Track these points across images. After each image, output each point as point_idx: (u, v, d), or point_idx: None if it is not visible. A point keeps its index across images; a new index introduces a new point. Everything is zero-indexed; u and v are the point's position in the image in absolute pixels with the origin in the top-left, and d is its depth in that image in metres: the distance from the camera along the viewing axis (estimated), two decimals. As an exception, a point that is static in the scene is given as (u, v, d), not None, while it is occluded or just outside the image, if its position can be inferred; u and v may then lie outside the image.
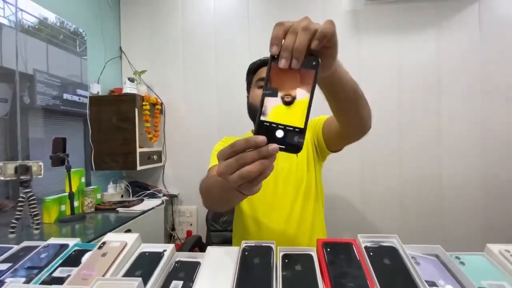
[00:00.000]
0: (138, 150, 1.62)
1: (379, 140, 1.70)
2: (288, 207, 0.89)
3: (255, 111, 0.80)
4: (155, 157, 1.80)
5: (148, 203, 1.62)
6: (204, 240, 1.60)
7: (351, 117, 0.66)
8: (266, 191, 0.90)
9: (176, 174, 1.93)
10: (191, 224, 1.88)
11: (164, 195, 1.81)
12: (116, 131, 1.63)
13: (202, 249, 1.47)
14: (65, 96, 1.57)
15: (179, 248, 1.39)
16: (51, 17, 1.50)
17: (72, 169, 1.37)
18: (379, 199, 1.70)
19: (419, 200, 1.66)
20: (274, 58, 0.35)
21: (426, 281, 0.49)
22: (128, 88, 1.67)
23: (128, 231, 1.29)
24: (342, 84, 0.53)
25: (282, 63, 0.34)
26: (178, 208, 1.92)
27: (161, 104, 1.89)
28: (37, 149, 1.39)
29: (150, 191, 1.79)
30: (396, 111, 1.69)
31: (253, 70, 0.95)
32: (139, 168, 1.62)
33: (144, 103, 1.69)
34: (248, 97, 0.96)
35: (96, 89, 1.68)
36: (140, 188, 1.82)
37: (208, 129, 1.86)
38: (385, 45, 1.70)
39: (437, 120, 1.65)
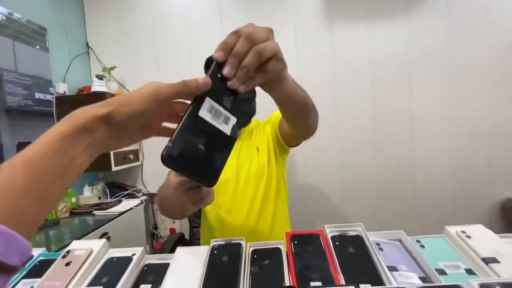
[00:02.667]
0: (112, 151, 1.57)
1: (354, 128, 1.73)
2: (248, 201, 0.90)
3: None
4: (131, 156, 1.75)
5: (126, 204, 1.58)
6: (187, 236, 1.59)
7: (300, 126, 0.72)
8: (228, 188, 0.92)
9: (156, 173, 1.89)
10: (174, 222, 1.86)
11: (143, 194, 1.77)
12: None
13: (186, 246, 1.46)
14: (38, 95, 1.48)
15: (161, 247, 1.38)
16: (16, 12, 1.40)
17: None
18: (356, 187, 1.75)
19: (394, 186, 1.72)
20: (218, 64, 0.33)
21: (388, 267, 0.51)
22: (97, 86, 1.59)
23: (105, 234, 1.26)
24: (292, 100, 0.54)
25: (226, 70, 0.32)
26: (160, 206, 1.89)
27: (135, 101, 1.82)
28: (11, 155, 1.31)
29: (129, 191, 1.75)
30: (369, 98, 1.72)
31: (209, 64, 0.94)
32: (114, 168, 1.57)
33: (115, 101, 1.62)
34: None
35: (62, 88, 1.59)
36: (118, 188, 1.77)
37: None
38: (357, 33, 1.71)
39: (409, 107, 1.70)
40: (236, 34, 0.32)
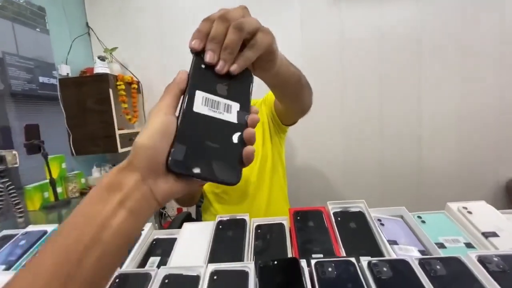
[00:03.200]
0: (118, 132, 1.58)
1: (361, 105, 1.70)
2: (243, 181, 0.91)
3: None
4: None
5: (134, 185, 1.62)
6: (194, 216, 1.63)
7: (294, 105, 0.71)
8: None
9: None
10: (180, 202, 1.91)
11: (150, 175, 1.81)
12: (92, 114, 1.57)
13: (192, 224, 1.51)
14: (41, 79, 1.49)
15: (169, 225, 1.43)
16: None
17: (51, 156, 1.33)
18: (360, 166, 1.75)
19: (399, 165, 1.71)
20: (198, 54, 0.29)
21: (389, 241, 0.52)
22: (100, 68, 1.58)
23: (115, 213, 1.31)
24: (286, 79, 0.51)
25: (208, 56, 0.29)
26: (167, 187, 1.93)
27: (138, 83, 1.81)
28: (19, 137, 1.35)
29: (136, 172, 1.79)
30: (376, 76, 1.68)
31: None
32: (121, 150, 1.60)
33: (118, 83, 1.62)
34: None
35: (65, 70, 1.59)
36: (125, 170, 1.81)
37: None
38: (366, 8, 1.64)
39: (417, 84, 1.65)
40: (209, 19, 0.30)
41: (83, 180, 1.58)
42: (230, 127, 0.28)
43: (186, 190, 0.27)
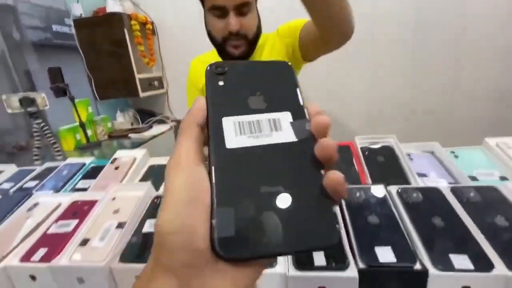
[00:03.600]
0: (137, 76, 1.58)
1: (393, 41, 1.54)
2: None
3: (212, 37, 0.80)
4: (156, 83, 1.77)
5: (157, 129, 1.68)
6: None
7: (336, 26, 0.61)
8: None
9: (182, 101, 1.91)
10: (202, 146, 1.98)
11: (172, 121, 1.85)
12: (110, 57, 1.55)
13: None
14: (55, 27, 1.46)
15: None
16: None
17: (77, 100, 1.37)
18: (389, 107, 1.66)
19: (431, 107, 1.60)
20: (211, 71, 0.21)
21: (418, 173, 0.52)
22: (111, 6, 1.50)
23: (142, 153, 1.38)
24: None
25: None
26: (188, 132, 1.99)
27: (152, 23, 1.73)
28: (41, 82, 1.39)
29: (158, 117, 1.83)
30: (413, 8, 1.48)
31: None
32: (141, 94, 1.61)
33: (132, 23, 1.55)
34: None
35: (77, 10, 1.52)
36: (147, 115, 1.86)
37: (207, 47, 1.74)
38: None
39: (459, 19, 1.45)
40: None
41: (109, 124, 1.65)
42: (290, 151, 0.18)
43: (255, 277, 0.17)
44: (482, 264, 0.31)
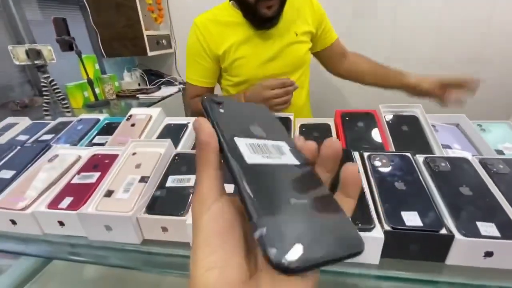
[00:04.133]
0: (145, 33, 1.50)
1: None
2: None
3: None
4: (164, 41, 1.69)
5: (166, 90, 1.64)
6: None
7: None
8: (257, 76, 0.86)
9: (189, 63, 1.86)
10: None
11: (180, 83, 1.80)
12: (116, 10, 1.46)
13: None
14: None
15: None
16: None
17: (83, 55, 1.33)
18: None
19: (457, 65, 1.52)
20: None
21: (442, 145, 0.50)
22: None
23: (152, 115, 1.37)
24: None
25: None
26: (195, 96, 1.95)
27: (160, -27, 1.60)
28: (41, 36, 1.33)
29: (166, 78, 1.78)
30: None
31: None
32: (149, 53, 1.55)
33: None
34: None
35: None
36: (155, 76, 1.81)
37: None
38: None
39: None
40: None
41: (116, 83, 1.61)
42: (300, 171, 0.19)
43: None
44: (509, 232, 0.31)
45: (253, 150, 0.19)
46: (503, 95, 1.50)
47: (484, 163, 0.40)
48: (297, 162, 0.20)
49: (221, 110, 0.20)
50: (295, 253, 0.14)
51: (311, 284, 0.15)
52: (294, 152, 0.21)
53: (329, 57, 0.96)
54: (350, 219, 0.17)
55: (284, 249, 0.14)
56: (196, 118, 0.19)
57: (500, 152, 0.49)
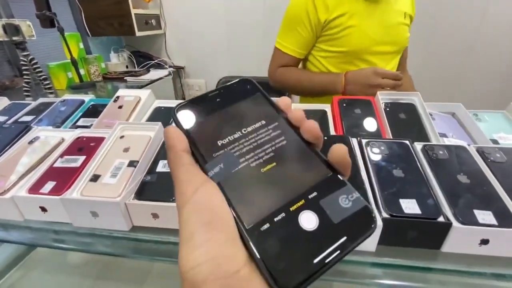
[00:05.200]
0: (133, 11, 1.42)
1: None
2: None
3: None
4: (153, 21, 1.61)
5: (155, 74, 1.58)
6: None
7: None
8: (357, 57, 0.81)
9: (180, 45, 1.79)
10: (200, 97, 1.91)
11: (170, 66, 1.74)
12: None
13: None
14: None
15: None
16: None
17: (66, 33, 1.25)
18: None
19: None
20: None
21: (438, 133, 0.50)
22: None
23: (140, 98, 1.32)
24: None
25: None
26: (186, 81, 1.89)
27: (149, -52, 1.51)
28: (20, 11, 1.23)
29: (155, 61, 1.72)
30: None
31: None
32: (138, 33, 1.48)
33: None
34: None
35: None
36: (143, 58, 1.73)
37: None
38: None
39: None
40: None
41: (103, 65, 1.54)
42: (292, 148, 0.18)
43: None
44: (506, 220, 0.31)
45: (229, 140, 0.18)
46: (497, 85, 1.52)
47: (481, 151, 0.40)
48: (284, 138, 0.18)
49: (191, 116, 0.19)
50: (292, 273, 0.13)
51: None
52: (271, 119, 0.19)
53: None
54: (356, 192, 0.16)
55: (281, 271, 0.13)
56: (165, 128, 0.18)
57: (495, 141, 0.49)
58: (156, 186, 0.39)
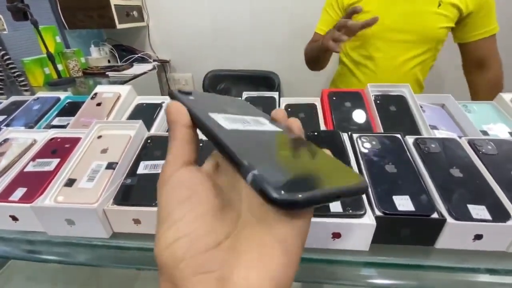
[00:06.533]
0: (112, 1, 1.35)
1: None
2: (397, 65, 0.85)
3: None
4: (135, 13, 1.54)
5: (138, 68, 1.52)
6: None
7: None
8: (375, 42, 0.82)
9: (165, 38, 1.72)
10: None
11: (154, 60, 1.68)
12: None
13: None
14: None
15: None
16: None
17: (41, 26, 1.17)
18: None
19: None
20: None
21: (429, 125, 0.49)
22: None
23: (124, 94, 1.26)
24: None
25: None
26: (172, 75, 1.84)
27: None
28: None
29: (138, 55, 1.65)
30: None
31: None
32: (118, 26, 1.40)
33: None
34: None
35: None
36: (126, 52, 1.66)
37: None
38: None
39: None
40: None
41: (83, 60, 1.47)
42: (282, 133, 0.20)
43: (306, 232, 0.15)
44: (499, 214, 0.31)
45: (231, 122, 0.18)
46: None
47: (473, 144, 0.40)
48: (278, 129, 0.20)
49: (191, 97, 0.20)
50: (293, 186, 0.12)
51: (297, 232, 0.14)
52: (274, 123, 0.21)
53: (464, 59, 0.86)
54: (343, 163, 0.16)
55: (281, 183, 0.12)
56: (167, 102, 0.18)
57: (484, 132, 0.48)
58: (137, 190, 0.37)
